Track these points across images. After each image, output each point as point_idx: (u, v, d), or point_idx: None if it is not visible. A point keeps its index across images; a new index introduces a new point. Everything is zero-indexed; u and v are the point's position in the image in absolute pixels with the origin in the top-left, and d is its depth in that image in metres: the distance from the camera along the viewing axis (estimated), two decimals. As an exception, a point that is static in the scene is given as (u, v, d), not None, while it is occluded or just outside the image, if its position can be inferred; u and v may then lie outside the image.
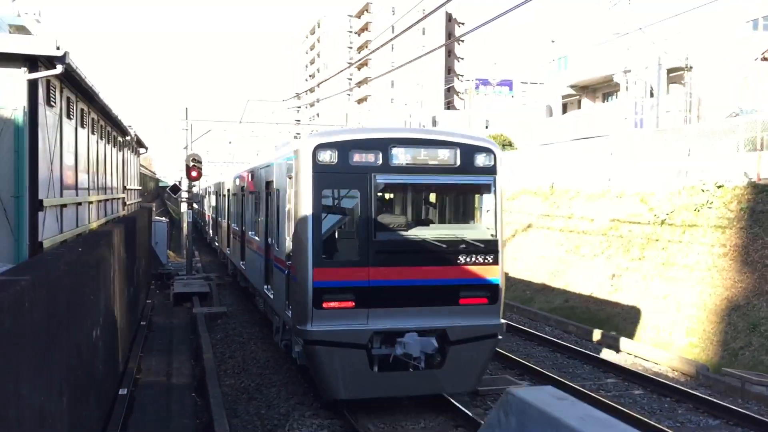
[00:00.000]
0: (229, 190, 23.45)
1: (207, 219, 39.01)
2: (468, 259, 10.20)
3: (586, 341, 15.85)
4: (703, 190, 17.79)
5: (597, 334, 15.93)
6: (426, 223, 11.12)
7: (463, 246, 10.19)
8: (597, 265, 19.34)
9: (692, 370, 12.95)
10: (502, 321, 10.48)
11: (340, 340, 9.56)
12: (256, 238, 15.20)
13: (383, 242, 9.89)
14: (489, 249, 10.38)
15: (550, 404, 1.94)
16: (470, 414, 9.90)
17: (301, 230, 9.79)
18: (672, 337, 15.03)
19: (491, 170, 10.56)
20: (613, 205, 21.25)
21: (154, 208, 37.12)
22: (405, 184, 10.83)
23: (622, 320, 16.66)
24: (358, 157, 9.91)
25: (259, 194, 15.06)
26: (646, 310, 16.33)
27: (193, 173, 25.25)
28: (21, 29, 30.65)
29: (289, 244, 10.84)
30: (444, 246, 10.10)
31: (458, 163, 10.29)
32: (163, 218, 33.49)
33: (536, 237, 23.78)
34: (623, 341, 15.08)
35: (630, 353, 14.61)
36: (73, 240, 12.53)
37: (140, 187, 36.12)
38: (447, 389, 10.42)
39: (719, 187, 17.56)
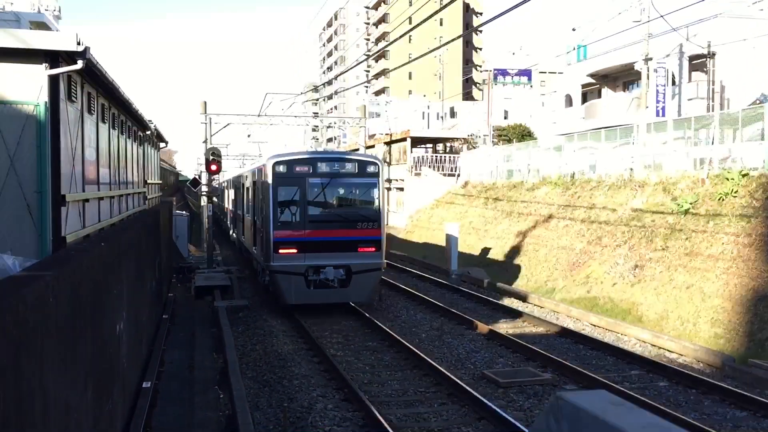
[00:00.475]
0: (235, 185, 30.15)
1: (226, 212, 39.57)
2: (362, 225, 17.01)
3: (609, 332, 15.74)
4: (727, 179, 17.53)
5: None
6: (338, 204, 17.63)
7: (359, 218, 17.08)
8: (619, 255, 19.15)
9: (717, 362, 12.78)
10: (384, 261, 17.40)
11: (289, 270, 16.48)
12: (249, 217, 21.73)
13: (313, 215, 16.91)
14: (374, 219, 17.13)
15: (605, 410, 1.85)
16: (492, 406, 9.84)
17: (268, 209, 16.80)
18: (696, 327, 14.85)
19: (376, 175, 17.37)
20: (635, 195, 21.03)
21: (174, 202, 37.33)
22: (325, 183, 17.14)
23: (646, 311, 16.49)
24: (298, 169, 16.92)
25: (250, 188, 21.43)
26: (670, 300, 16.15)
27: (213, 167, 25.34)
28: (41, 26, 30.92)
29: (263, 217, 17.45)
30: (348, 218, 17.10)
31: (356, 171, 17.29)
32: (184, 212, 33.66)
33: (557, 228, 23.60)
34: (643, 333, 14.94)
35: (654, 344, 14.46)
36: (96, 235, 12.61)
37: (161, 182, 36.34)
38: (352, 299, 17.43)
39: (744, 175, 17.29)
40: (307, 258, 16.59)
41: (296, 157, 17.57)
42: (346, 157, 18.24)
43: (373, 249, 17.02)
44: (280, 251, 16.58)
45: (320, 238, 16.75)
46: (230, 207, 33.55)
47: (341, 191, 17.68)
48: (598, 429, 1.75)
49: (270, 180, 16.81)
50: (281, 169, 16.95)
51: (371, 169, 17.45)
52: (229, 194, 34.44)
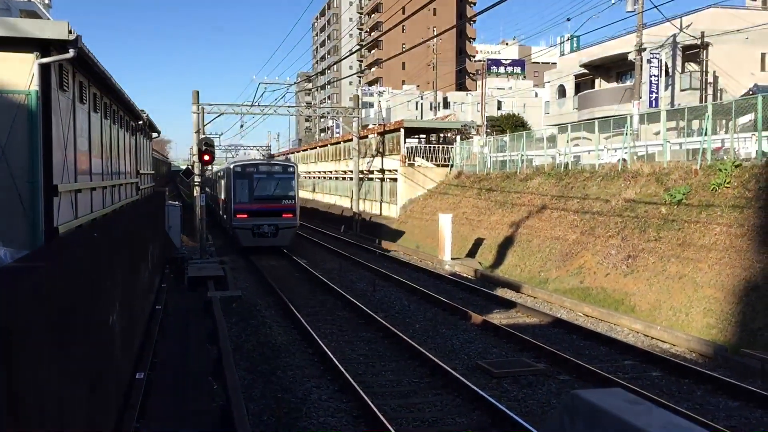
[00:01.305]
0: (216, 178, 40.02)
1: (219, 203, 39.96)
2: (284, 202, 27.99)
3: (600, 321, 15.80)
4: (720, 170, 17.57)
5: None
6: (271, 190, 28.19)
7: (282, 197, 28.04)
8: (612, 245, 19.20)
9: (710, 352, 12.85)
10: (298, 222, 28.85)
11: (243, 227, 27.57)
12: (223, 197, 32.38)
13: (257, 195, 27.83)
14: (292, 198, 28.27)
15: (623, 409, 1.82)
16: (486, 396, 9.86)
17: (231, 192, 28.17)
18: (689, 317, 14.92)
19: (293, 173, 28.76)
20: (628, 185, 21.06)
21: (167, 193, 37.17)
22: (264, 177, 28.09)
23: (638, 301, 16.56)
24: (248, 169, 28.30)
25: (224, 180, 31.73)
26: (662, 290, 16.21)
27: (206, 157, 25.23)
28: (32, 14, 30.60)
29: (229, 197, 28.41)
30: (276, 197, 27.99)
31: (282, 171, 28.68)
32: (177, 202, 33.56)
33: (550, 218, 23.63)
34: (629, 319, 15.00)
35: (647, 334, 14.52)
36: (88, 225, 12.54)
37: (153, 172, 36.19)
38: (278, 244, 27.75)
39: (737, 166, 17.33)
40: (253, 220, 27.86)
41: (247, 163, 30.31)
42: (276, 162, 30.59)
43: (291, 215, 28.45)
44: (237, 216, 28.04)
45: (260, 209, 28.01)
46: (219, 195, 40.11)
47: (272, 182, 28.71)
48: (616, 428, 1.72)
49: (232, 176, 28.50)
50: (238, 169, 28.68)
51: (290, 169, 29.35)
52: (218, 184, 43.23)
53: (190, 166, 33.80)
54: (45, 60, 9.77)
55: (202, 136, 30.70)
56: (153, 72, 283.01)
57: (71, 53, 10.01)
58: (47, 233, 9.94)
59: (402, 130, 39.33)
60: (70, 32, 9.60)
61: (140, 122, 25.02)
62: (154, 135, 34.07)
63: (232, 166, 28.91)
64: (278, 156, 78.48)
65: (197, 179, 28.71)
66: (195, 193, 29.62)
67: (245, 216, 27.61)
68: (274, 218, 27.76)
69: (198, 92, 33.91)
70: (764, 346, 12.60)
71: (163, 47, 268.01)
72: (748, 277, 14.46)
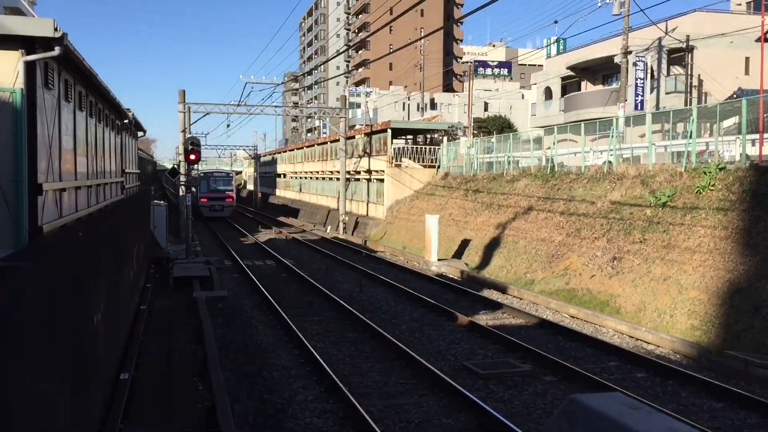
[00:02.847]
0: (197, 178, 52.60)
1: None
2: (227, 192, 51.53)
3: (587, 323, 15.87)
4: (704, 172, 17.70)
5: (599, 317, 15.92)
6: (219, 186, 51.24)
7: (226, 189, 51.60)
8: (598, 247, 19.30)
9: (694, 353, 12.94)
10: (234, 204, 54.00)
11: (204, 206, 50.05)
12: (195, 191, 41.67)
13: (211, 188, 50.91)
14: (231, 190, 52.22)
15: (623, 414, 1.81)
16: (473, 397, 9.88)
17: (199, 187, 48.75)
18: (673, 319, 15.02)
19: (232, 177, 53.83)
20: (613, 187, 21.17)
21: (152, 192, 36.97)
22: (217, 179, 51.58)
23: (623, 302, 16.65)
24: (207, 174, 52.54)
25: (202, 180, 49.85)
26: (647, 292, 16.31)
27: (192, 156, 25.10)
28: (15, 11, 30.28)
29: (198, 190, 47.38)
30: (222, 189, 51.32)
31: (226, 175, 53.57)
32: (162, 202, 33.37)
33: (536, 220, 23.71)
34: (619, 323, 15.09)
35: (632, 336, 14.60)
36: (73, 224, 12.44)
37: (138, 171, 35.97)
38: (224, 215, 50.62)
39: (721, 168, 17.47)
40: (209, 202, 49.60)
41: (207, 170, 55.77)
42: (222, 170, 58.34)
43: (231, 200, 50.95)
44: (201, 200, 48.68)
45: (214, 195, 49.70)
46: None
47: (221, 182, 50.47)
48: None
49: (199, 178, 46.58)
50: (202, 175, 49.67)
51: (230, 174, 53.59)
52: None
53: (176, 166, 33.60)
54: (30, 57, 9.68)
55: (189, 136, 30.57)
56: (139, 70, 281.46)
57: (57, 51, 9.93)
58: (31, 232, 9.85)
59: (389, 130, 39.34)
60: (55, 30, 9.52)
61: (126, 121, 24.86)
62: (140, 134, 33.86)
63: (199, 173, 49.05)
64: (264, 156, 78.89)
65: (183, 178, 28.55)
66: (181, 193, 29.47)
67: (206, 200, 49.41)
68: (221, 201, 49.96)
69: (184, 91, 33.81)
70: (747, 348, 12.71)
71: (150, 46, 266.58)
72: (731, 279, 14.57)
